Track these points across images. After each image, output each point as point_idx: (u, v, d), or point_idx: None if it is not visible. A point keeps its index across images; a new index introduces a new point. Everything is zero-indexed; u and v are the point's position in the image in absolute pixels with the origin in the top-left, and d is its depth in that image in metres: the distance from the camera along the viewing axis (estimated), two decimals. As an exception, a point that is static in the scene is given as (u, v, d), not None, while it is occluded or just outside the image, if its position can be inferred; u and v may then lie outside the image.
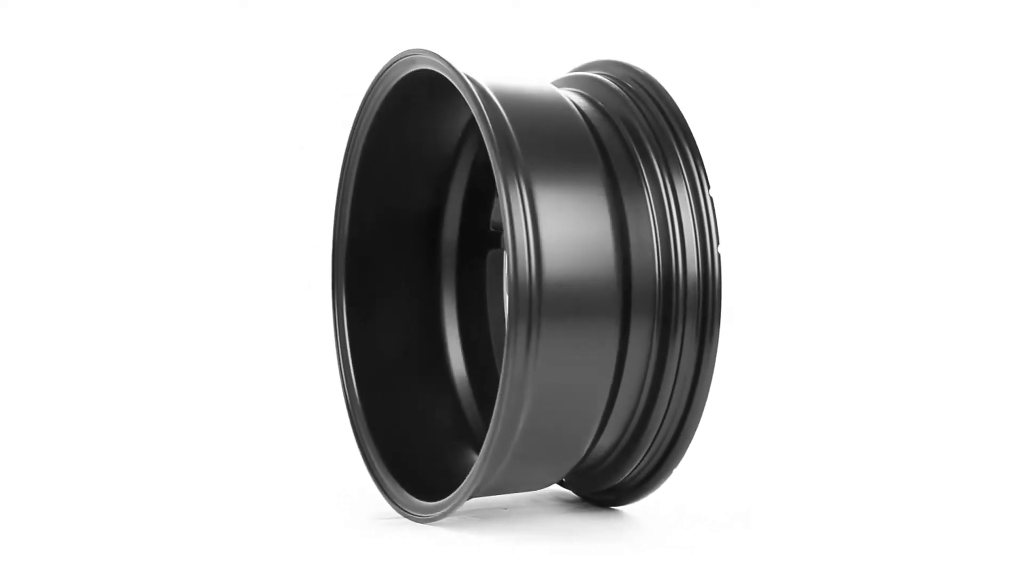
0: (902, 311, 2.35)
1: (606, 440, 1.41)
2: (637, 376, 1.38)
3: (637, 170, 1.39)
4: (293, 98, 2.40)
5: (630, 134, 1.41)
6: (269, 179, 2.39)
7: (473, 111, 1.36)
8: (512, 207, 1.32)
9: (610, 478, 1.45)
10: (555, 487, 1.56)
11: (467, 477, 1.38)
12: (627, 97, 1.43)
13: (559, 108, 1.41)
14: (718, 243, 1.36)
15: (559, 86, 1.50)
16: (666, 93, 1.42)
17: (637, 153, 1.40)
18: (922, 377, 2.20)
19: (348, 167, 1.56)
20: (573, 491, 1.53)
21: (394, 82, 1.49)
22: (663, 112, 1.41)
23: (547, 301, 1.32)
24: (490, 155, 1.34)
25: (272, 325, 2.28)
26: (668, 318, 1.36)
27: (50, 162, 2.45)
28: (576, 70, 1.51)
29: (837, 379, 2.20)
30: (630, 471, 1.43)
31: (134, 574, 1.30)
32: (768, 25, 2.45)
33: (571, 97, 1.45)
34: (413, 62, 1.46)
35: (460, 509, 1.48)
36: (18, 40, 2.45)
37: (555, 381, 1.34)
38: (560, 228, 1.34)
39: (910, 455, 1.80)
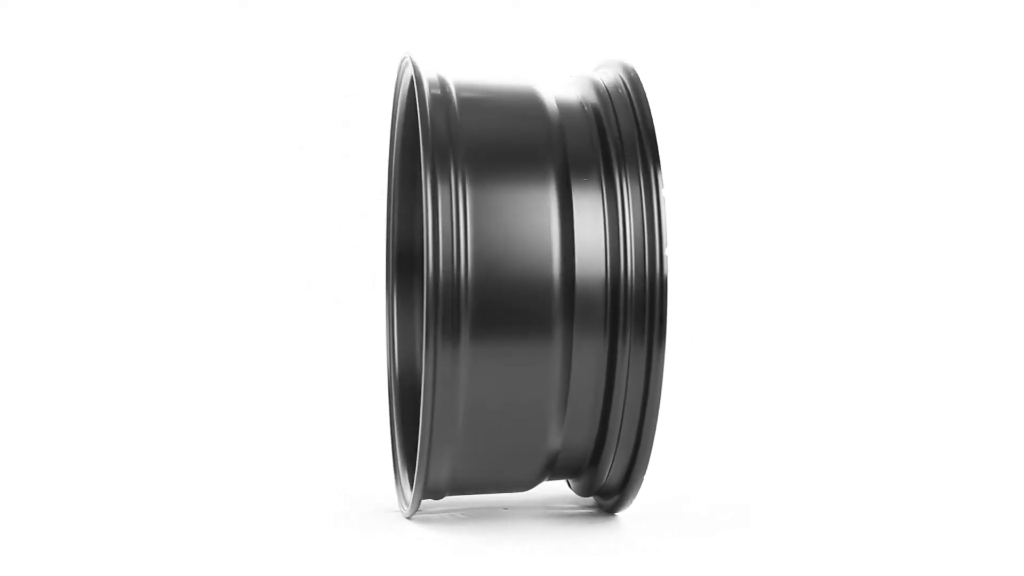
0: (884, 308, 2.35)
1: (573, 441, 1.40)
2: (587, 373, 1.37)
3: (597, 171, 1.38)
4: (293, 98, 2.40)
5: (599, 134, 1.41)
6: (269, 179, 2.39)
7: (419, 106, 1.38)
8: (433, 199, 1.33)
9: (594, 479, 1.45)
10: (568, 492, 1.56)
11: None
12: (608, 96, 1.43)
13: (526, 108, 1.41)
14: (666, 245, 1.35)
15: (568, 84, 1.50)
16: (641, 91, 1.41)
17: (600, 154, 1.39)
18: (898, 371, 2.20)
19: (390, 167, 1.59)
20: (576, 494, 1.53)
21: (406, 85, 1.52)
22: (633, 111, 1.41)
23: (474, 299, 1.33)
24: (421, 148, 1.35)
25: (273, 325, 2.27)
26: (615, 317, 1.35)
27: (50, 166, 2.45)
28: (596, 68, 1.53)
29: (824, 377, 2.20)
30: (607, 471, 1.42)
31: (128, 571, 1.31)
32: (768, 26, 2.45)
33: (562, 97, 1.45)
34: (407, 65, 1.49)
35: (458, 507, 1.49)
36: (18, 40, 2.45)
37: (488, 378, 1.35)
38: (492, 225, 1.34)
39: (893, 450, 1.80)
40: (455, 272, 1.33)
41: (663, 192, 1.36)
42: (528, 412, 1.37)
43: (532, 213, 1.35)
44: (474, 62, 1.71)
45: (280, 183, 2.36)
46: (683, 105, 2.38)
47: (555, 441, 1.39)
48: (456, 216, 1.34)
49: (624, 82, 1.43)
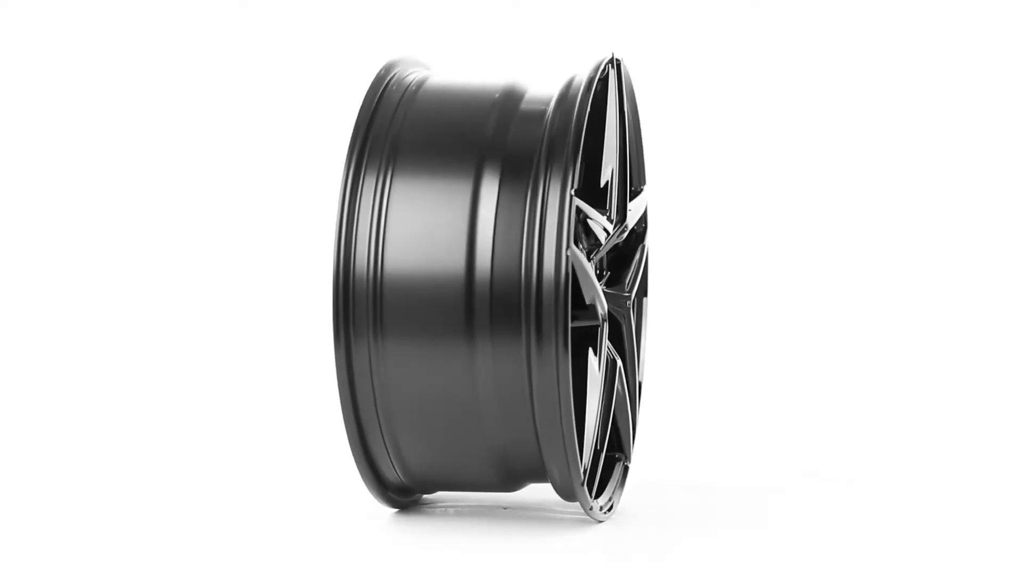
0: (882, 306, 2.36)
1: (517, 441, 1.40)
2: (505, 372, 1.37)
3: (527, 171, 1.39)
4: (297, 99, 2.40)
5: (542, 133, 1.41)
6: (269, 180, 2.39)
7: (364, 98, 1.42)
8: (353, 187, 1.39)
9: (553, 484, 1.45)
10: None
11: None
12: (564, 94, 1.43)
13: (484, 104, 1.43)
14: (567, 246, 1.34)
15: (555, 83, 1.50)
16: (587, 87, 1.40)
17: (534, 153, 1.39)
18: (892, 369, 2.21)
19: None
20: None
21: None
22: (572, 108, 1.40)
23: (383, 289, 1.37)
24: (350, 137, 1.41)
25: (271, 325, 2.27)
26: (528, 317, 1.36)
27: (46, 166, 2.44)
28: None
29: (822, 376, 2.20)
30: (555, 476, 1.42)
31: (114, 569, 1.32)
32: (769, 26, 2.45)
33: (537, 95, 1.45)
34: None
35: (454, 505, 1.51)
36: (18, 40, 2.45)
37: (401, 372, 1.38)
38: (410, 219, 1.37)
39: (891, 450, 1.80)
40: (367, 263, 1.37)
41: (571, 191, 1.35)
42: (449, 408, 1.39)
43: (451, 210, 1.37)
44: (488, 61, 1.72)
45: (280, 183, 2.36)
46: (695, 103, 2.38)
47: (496, 440, 1.40)
48: (371, 206, 1.38)
49: (589, 78, 1.43)
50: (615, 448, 1.53)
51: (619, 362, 1.50)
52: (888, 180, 2.44)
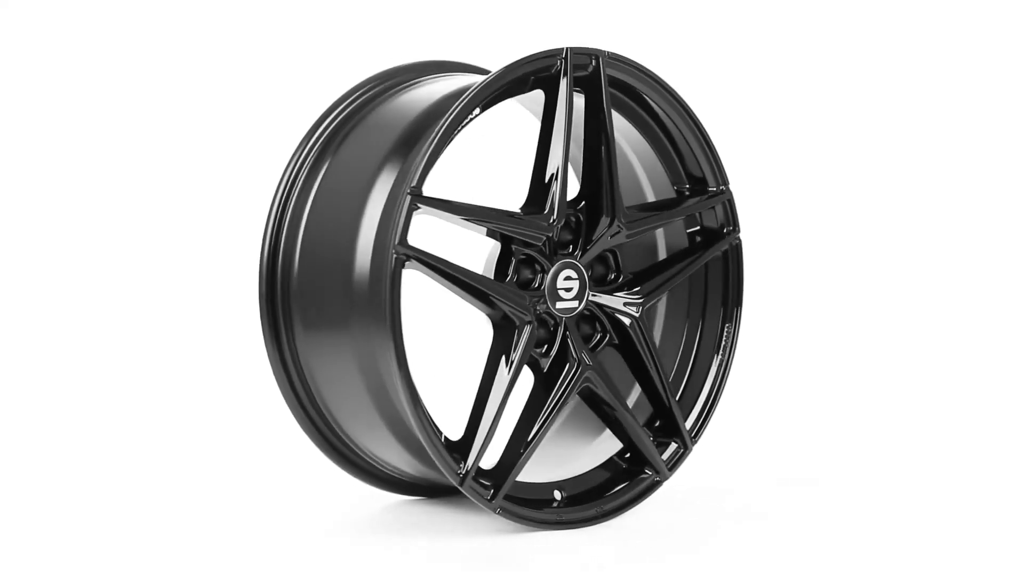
0: (913, 308, 2.35)
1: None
2: (370, 364, 1.38)
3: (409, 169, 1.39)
4: (305, 99, 2.41)
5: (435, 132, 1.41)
6: (269, 179, 2.39)
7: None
8: (283, 182, 1.48)
9: None
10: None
11: None
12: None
13: (430, 105, 1.44)
14: (398, 240, 1.34)
15: None
16: (480, 87, 1.39)
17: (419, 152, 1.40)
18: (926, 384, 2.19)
19: None
20: None
21: None
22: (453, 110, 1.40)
23: (300, 280, 1.43)
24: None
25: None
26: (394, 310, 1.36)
27: (35, 163, 2.46)
28: None
29: (842, 379, 2.19)
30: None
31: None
32: (768, 23, 2.46)
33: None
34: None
35: (452, 504, 1.53)
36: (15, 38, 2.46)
37: (322, 363, 1.43)
38: (320, 210, 1.44)
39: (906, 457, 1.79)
40: (289, 254, 1.45)
41: (406, 189, 1.35)
42: (361, 399, 1.41)
43: (351, 205, 1.41)
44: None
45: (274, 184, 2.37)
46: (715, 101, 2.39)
47: (407, 437, 1.41)
48: (303, 196, 1.46)
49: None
50: (639, 462, 1.50)
51: (573, 368, 1.45)
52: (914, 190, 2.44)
